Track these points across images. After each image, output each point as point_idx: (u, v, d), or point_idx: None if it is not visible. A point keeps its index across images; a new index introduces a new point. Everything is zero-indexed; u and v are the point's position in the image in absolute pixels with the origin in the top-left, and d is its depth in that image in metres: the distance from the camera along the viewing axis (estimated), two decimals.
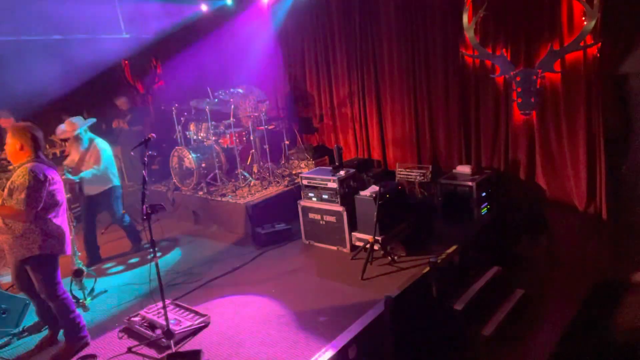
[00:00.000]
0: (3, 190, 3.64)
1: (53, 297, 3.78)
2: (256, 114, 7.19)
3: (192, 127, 7.31)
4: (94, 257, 5.70)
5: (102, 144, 5.43)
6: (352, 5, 7.05)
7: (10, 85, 7.76)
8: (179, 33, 9.18)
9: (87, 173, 5.22)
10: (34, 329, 4.32)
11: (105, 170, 5.40)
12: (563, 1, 5.11)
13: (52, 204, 3.70)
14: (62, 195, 3.83)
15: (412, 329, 3.98)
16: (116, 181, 5.59)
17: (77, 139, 5.33)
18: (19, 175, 3.55)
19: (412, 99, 6.64)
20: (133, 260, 5.78)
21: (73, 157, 5.46)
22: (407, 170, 6.64)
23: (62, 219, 3.83)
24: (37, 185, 3.54)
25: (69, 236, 3.94)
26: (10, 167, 3.74)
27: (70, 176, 5.01)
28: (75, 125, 5.29)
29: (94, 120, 5.59)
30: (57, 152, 8.24)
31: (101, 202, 5.56)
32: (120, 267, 5.62)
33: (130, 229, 5.90)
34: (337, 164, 5.71)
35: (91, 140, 5.40)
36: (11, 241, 3.65)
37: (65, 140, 6.26)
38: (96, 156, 5.31)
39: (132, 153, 8.13)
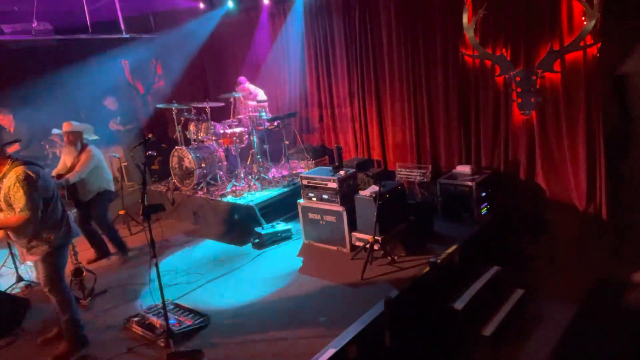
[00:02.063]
0: None
1: (56, 292, 3.81)
2: (256, 114, 7.19)
3: (192, 127, 7.31)
4: (104, 252, 5.73)
5: (93, 150, 5.32)
6: (352, 5, 7.05)
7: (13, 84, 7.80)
8: (179, 33, 9.19)
9: (70, 179, 5.11)
10: None
11: (95, 175, 5.32)
12: (563, 1, 5.11)
13: (49, 196, 3.73)
14: (52, 184, 3.84)
15: (412, 329, 3.99)
16: (110, 186, 5.53)
17: (70, 142, 5.27)
18: (10, 185, 3.54)
19: (412, 99, 6.64)
20: (133, 260, 5.78)
21: (65, 162, 5.38)
22: (407, 170, 6.64)
23: (59, 204, 3.88)
24: (30, 188, 3.55)
25: (70, 217, 4.00)
26: None
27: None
28: (70, 126, 5.23)
29: (91, 127, 5.49)
30: (57, 151, 8.24)
31: (92, 206, 5.42)
32: (120, 267, 5.61)
33: (113, 238, 5.67)
34: (337, 164, 5.71)
35: (84, 147, 5.32)
36: (27, 244, 3.71)
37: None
38: (83, 161, 5.21)
39: (131, 152, 8.16)
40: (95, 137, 5.57)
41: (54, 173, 5.27)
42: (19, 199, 3.51)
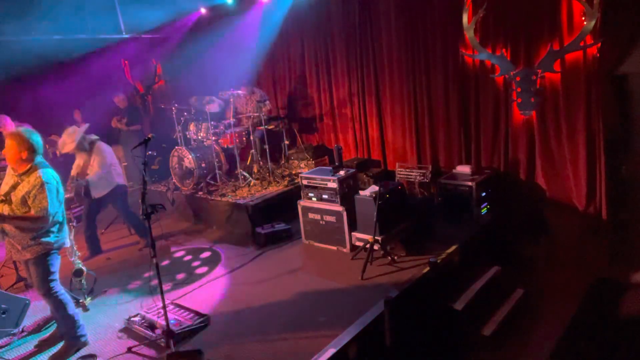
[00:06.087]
0: (6, 197, 3.66)
1: (50, 294, 3.81)
2: (256, 114, 7.18)
3: (192, 127, 7.31)
4: (95, 249, 5.97)
5: (104, 146, 5.63)
6: (352, 6, 7.05)
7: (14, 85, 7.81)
8: (179, 33, 9.18)
9: (93, 177, 5.49)
10: (34, 330, 4.32)
11: (110, 171, 5.61)
12: (563, 1, 5.11)
13: (60, 201, 3.78)
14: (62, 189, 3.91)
15: (412, 329, 3.99)
16: (121, 180, 5.82)
17: (79, 146, 5.55)
18: (34, 185, 3.58)
19: (412, 98, 6.64)
20: (132, 260, 5.78)
21: (78, 162, 5.68)
22: (407, 170, 6.64)
23: (64, 209, 3.93)
24: (54, 191, 3.65)
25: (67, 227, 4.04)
26: (15, 174, 3.74)
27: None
28: (74, 136, 5.50)
29: (87, 125, 5.75)
30: (57, 152, 8.24)
31: (108, 201, 5.81)
32: (120, 267, 5.61)
33: (138, 225, 6.05)
34: (337, 164, 5.72)
35: (93, 144, 5.60)
36: (25, 243, 3.70)
37: None
38: (100, 159, 5.52)
39: (131, 152, 8.16)
40: (87, 125, 5.77)
41: (72, 173, 5.60)
42: (41, 200, 3.56)
